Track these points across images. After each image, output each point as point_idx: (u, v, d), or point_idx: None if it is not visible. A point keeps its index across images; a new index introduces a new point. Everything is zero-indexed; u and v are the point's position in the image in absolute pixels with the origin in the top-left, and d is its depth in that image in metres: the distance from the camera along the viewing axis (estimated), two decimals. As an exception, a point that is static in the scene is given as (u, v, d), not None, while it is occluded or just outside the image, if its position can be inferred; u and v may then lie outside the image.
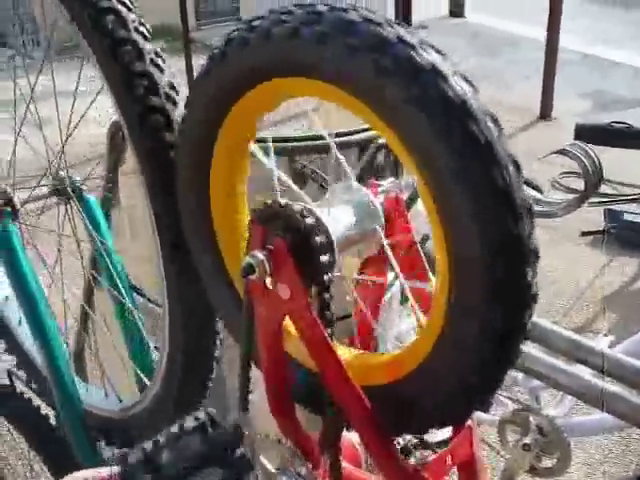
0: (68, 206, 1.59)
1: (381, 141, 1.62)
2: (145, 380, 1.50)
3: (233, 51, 0.87)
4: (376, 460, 0.87)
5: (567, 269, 4.13)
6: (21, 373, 1.88)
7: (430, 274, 0.94)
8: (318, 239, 0.83)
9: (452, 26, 10.71)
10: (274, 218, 0.84)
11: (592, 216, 4.60)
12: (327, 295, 0.84)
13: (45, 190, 1.56)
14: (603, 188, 5.28)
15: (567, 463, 1.53)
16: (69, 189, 1.55)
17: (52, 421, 1.72)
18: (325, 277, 0.83)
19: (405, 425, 0.87)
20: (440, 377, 0.81)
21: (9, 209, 1.50)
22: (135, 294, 1.63)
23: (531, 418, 1.54)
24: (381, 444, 0.85)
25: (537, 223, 0.78)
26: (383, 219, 0.92)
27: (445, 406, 0.83)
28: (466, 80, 0.74)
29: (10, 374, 1.87)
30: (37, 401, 1.81)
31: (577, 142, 1.49)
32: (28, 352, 1.81)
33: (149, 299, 1.69)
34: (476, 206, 0.72)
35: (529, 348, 1.55)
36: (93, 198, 1.59)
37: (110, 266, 1.55)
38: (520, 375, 1.93)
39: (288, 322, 0.89)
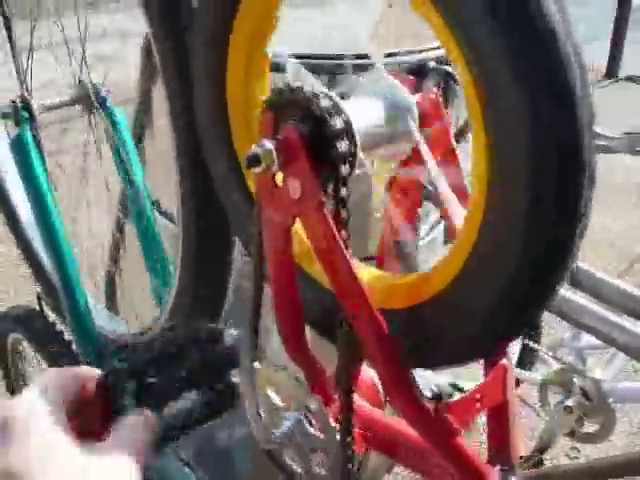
0: (92, 116, 1.50)
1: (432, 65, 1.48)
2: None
3: None
4: (390, 393, 0.75)
5: (626, 231, 3.93)
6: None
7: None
8: (335, 123, 0.69)
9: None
10: (286, 104, 0.71)
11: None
12: (345, 193, 0.71)
13: (66, 97, 1.47)
14: None
15: (610, 430, 1.46)
16: (92, 97, 1.45)
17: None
18: (342, 169, 0.70)
19: (426, 356, 0.75)
20: (468, 302, 0.69)
21: (26, 114, 1.41)
22: (157, 213, 1.54)
23: (575, 379, 1.47)
24: (396, 374, 0.73)
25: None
26: (417, 118, 0.78)
27: (471, 336, 0.70)
28: None
29: (39, 298, 1.82)
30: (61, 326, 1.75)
31: None
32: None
33: (171, 219, 1.59)
34: (530, 104, 0.58)
35: (579, 298, 1.43)
36: (117, 107, 1.49)
37: (131, 177, 1.46)
38: (567, 335, 1.82)
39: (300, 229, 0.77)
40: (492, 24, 0.58)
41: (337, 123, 0.68)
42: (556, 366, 1.60)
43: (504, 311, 0.68)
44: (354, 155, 0.71)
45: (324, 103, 0.69)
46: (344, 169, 0.69)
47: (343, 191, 0.69)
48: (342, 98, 0.72)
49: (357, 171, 0.72)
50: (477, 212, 0.66)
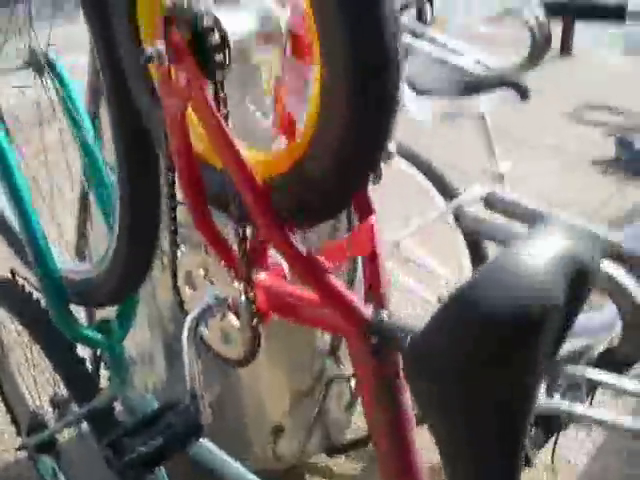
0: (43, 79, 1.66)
1: None
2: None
3: None
4: (275, 247, 0.94)
5: (578, 196, 4.16)
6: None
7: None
8: (214, 38, 0.88)
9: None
10: (174, 14, 0.90)
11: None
12: (222, 94, 0.90)
13: (20, 62, 1.64)
14: (616, 119, 5.37)
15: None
16: (42, 61, 1.62)
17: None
18: (219, 72, 0.89)
19: (302, 215, 0.93)
20: (319, 167, 0.87)
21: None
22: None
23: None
24: (275, 230, 0.92)
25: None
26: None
27: (327, 193, 0.89)
28: None
29: (12, 271, 1.99)
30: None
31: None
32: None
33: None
34: None
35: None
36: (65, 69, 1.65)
37: (83, 139, 1.62)
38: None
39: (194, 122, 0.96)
40: None
41: (214, 35, 0.87)
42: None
43: (347, 170, 0.86)
44: (228, 56, 0.89)
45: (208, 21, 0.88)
46: (218, 58, 0.87)
47: (219, 76, 0.88)
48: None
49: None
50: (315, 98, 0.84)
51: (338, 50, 0.79)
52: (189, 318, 1.08)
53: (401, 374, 0.98)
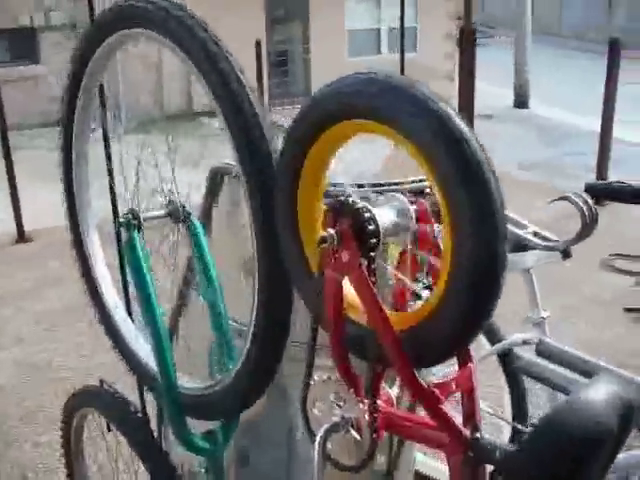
0: (176, 228, 2.05)
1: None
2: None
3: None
4: (405, 382, 1.29)
5: (612, 342, 4.44)
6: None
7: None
8: (371, 227, 1.26)
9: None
10: (343, 209, 1.28)
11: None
12: (373, 265, 1.27)
13: (162, 212, 2.02)
14: None
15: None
16: (181, 214, 2.00)
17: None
18: (372, 253, 1.26)
19: (424, 359, 1.28)
20: (441, 325, 1.23)
21: (136, 222, 1.96)
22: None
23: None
24: (407, 370, 1.27)
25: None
26: (415, 221, 1.35)
27: (443, 345, 1.24)
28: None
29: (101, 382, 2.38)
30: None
31: (577, 192, 1.93)
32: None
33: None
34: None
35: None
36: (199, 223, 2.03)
37: (209, 284, 1.98)
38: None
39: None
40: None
41: (372, 227, 1.25)
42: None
43: (459, 329, 1.22)
44: (379, 240, 1.26)
45: (367, 215, 1.25)
46: (373, 245, 1.24)
47: (372, 258, 1.25)
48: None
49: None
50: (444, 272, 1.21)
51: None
52: (322, 430, 1.41)
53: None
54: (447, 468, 1.30)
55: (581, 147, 9.66)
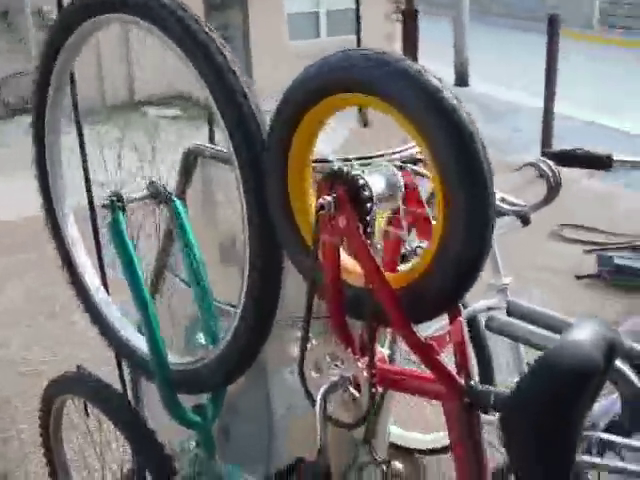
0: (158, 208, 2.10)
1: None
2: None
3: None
4: (403, 336, 1.37)
5: (563, 306, 4.62)
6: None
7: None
8: (366, 193, 1.34)
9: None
10: (339, 177, 1.35)
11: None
12: (369, 229, 1.35)
13: (145, 193, 2.06)
14: (597, 237, 5.90)
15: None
16: (163, 194, 2.05)
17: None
18: (367, 217, 1.34)
19: (418, 315, 1.37)
20: (434, 281, 1.31)
21: (120, 204, 2.00)
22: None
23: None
24: (404, 322, 1.35)
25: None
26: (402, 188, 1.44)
27: (435, 301, 1.33)
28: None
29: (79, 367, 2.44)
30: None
31: (541, 158, 2.05)
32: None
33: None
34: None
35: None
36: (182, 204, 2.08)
37: (194, 263, 2.04)
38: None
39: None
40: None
41: (367, 193, 1.33)
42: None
43: (455, 282, 1.30)
44: (373, 205, 1.34)
45: (361, 181, 1.33)
46: (368, 217, 1.33)
47: (367, 222, 1.33)
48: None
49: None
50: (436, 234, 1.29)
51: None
52: (322, 390, 1.49)
53: (481, 424, 1.41)
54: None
55: (522, 123, 9.88)
